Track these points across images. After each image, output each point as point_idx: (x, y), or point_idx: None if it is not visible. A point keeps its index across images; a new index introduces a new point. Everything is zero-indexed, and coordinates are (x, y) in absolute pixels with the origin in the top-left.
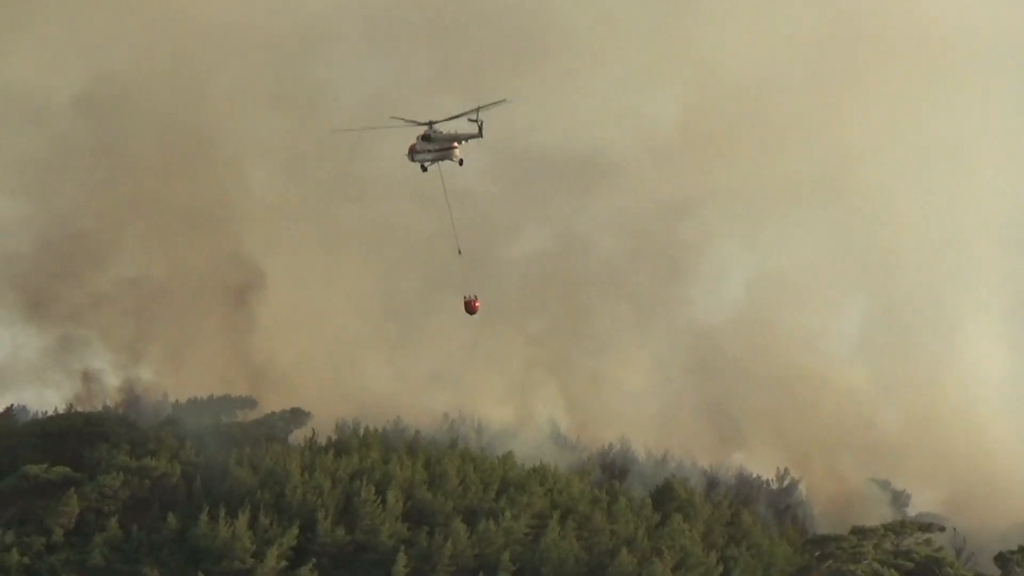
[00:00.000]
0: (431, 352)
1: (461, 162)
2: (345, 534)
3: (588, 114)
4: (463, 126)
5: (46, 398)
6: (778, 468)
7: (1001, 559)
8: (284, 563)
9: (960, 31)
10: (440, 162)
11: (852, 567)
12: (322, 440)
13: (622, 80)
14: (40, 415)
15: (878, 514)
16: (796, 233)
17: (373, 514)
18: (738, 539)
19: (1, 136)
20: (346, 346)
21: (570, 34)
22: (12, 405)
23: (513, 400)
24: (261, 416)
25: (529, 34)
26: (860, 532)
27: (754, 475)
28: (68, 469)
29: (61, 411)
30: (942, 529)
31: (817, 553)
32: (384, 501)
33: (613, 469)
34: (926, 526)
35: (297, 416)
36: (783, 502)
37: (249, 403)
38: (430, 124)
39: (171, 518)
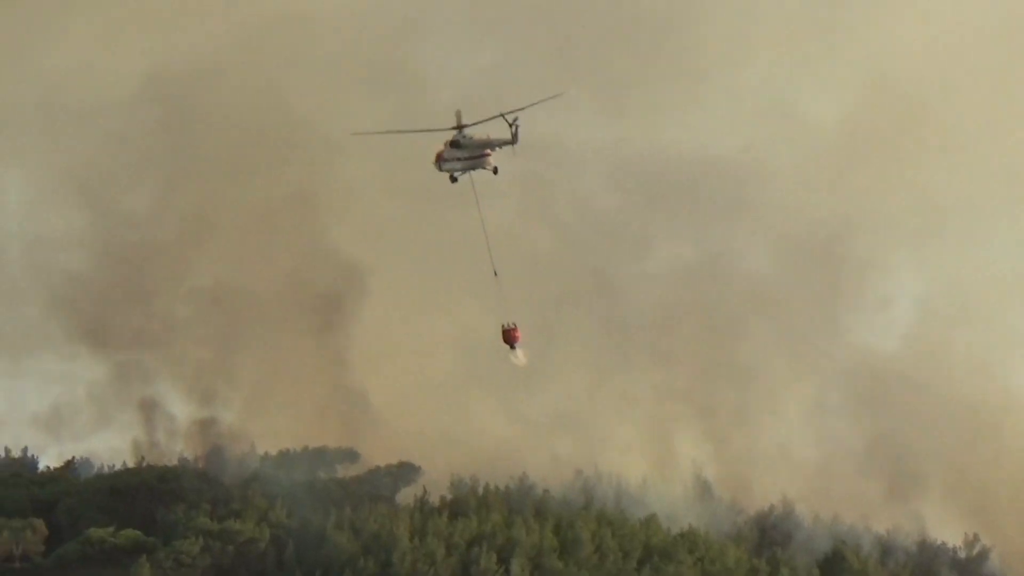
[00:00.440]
0: (553, 391)
1: (496, 170)
2: None
3: (732, 116)
4: (496, 130)
5: (111, 446)
6: (966, 534)
7: None
8: None
9: None
10: (471, 171)
11: None
12: (434, 499)
13: (771, 79)
14: (106, 469)
15: None
16: (975, 249)
17: None
18: None
19: (51, 137)
20: (457, 382)
21: (709, 24)
22: (73, 458)
23: (650, 447)
24: (364, 471)
25: (658, 22)
26: None
27: (937, 541)
28: (139, 533)
29: (130, 464)
30: None
31: None
32: (508, 571)
33: (773, 533)
34: None
35: (406, 471)
36: (973, 573)
37: (349, 456)
38: (460, 129)
39: None
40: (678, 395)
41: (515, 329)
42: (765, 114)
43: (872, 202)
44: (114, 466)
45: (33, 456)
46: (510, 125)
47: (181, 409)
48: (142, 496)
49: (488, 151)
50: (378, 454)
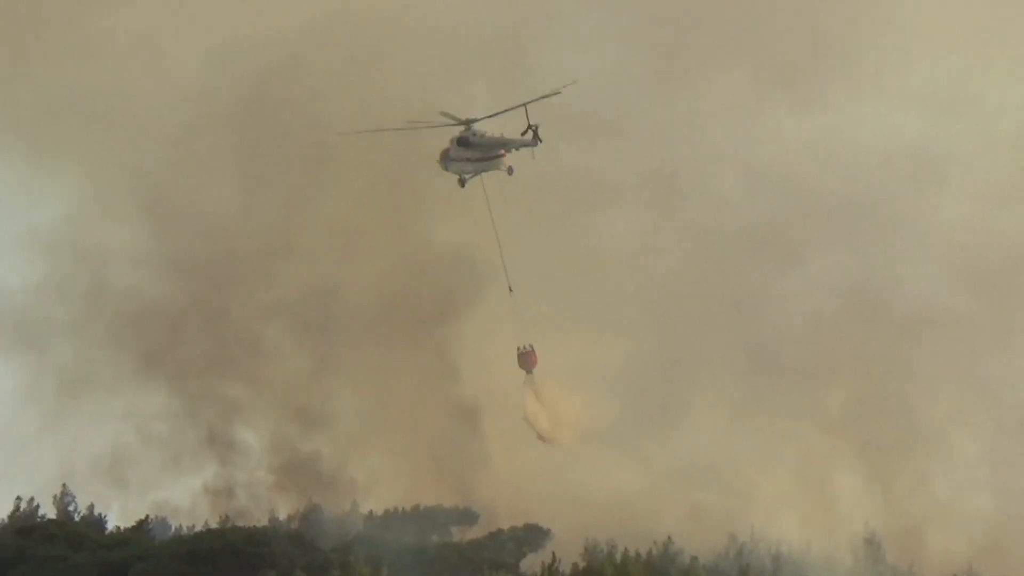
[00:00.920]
0: (690, 433)
1: (511, 170)
2: None
3: (901, 114)
4: (513, 129)
5: (189, 503)
6: None
7: None
8: None
9: None
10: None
11: None
12: (566, 567)
13: (949, 76)
14: (185, 529)
15: None
16: None
17: None
18: None
19: (112, 133)
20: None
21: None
22: (147, 517)
23: (805, 498)
24: (484, 534)
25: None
26: None
27: None
28: None
29: (212, 524)
30: None
31: None
32: None
33: None
34: None
35: (532, 535)
36: None
37: (467, 516)
38: (468, 124)
39: None
40: (833, 434)
41: (532, 352)
42: (940, 113)
43: None
44: (193, 526)
45: (101, 515)
46: (530, 127)
47: (268, 457)
48: (226, 561)
49: (503, 152)
50: (500, 514)
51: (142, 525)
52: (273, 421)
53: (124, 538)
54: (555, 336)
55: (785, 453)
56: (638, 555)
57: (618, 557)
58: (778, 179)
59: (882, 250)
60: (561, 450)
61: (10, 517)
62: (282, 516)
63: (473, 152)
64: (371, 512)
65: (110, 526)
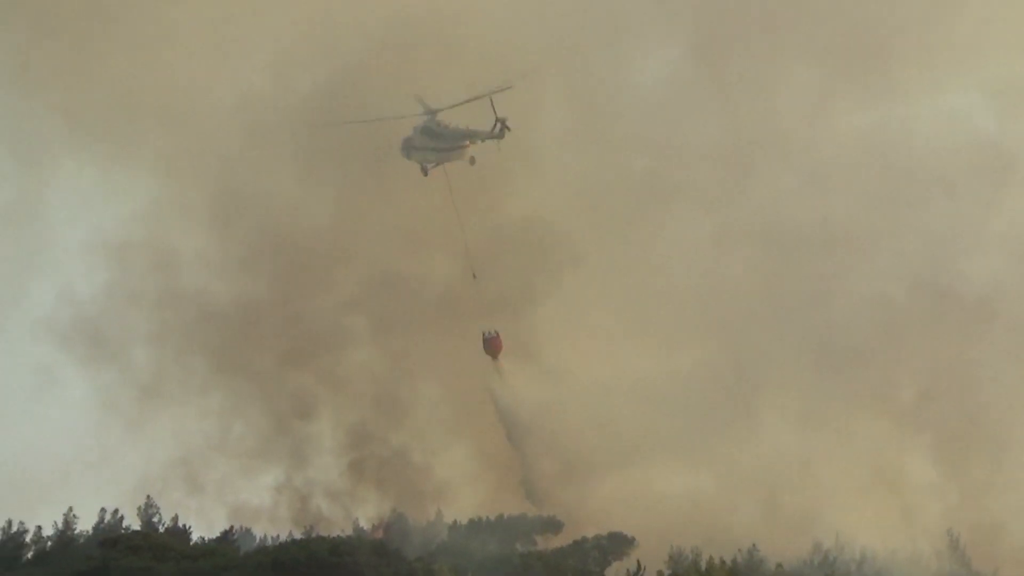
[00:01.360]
0: (765, 436)
1: (473, 160)
2: None
3: (981, 101)
4: (479, 120)
5: (270, 513)
6: None
7: None
8: None
9: None
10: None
11: None
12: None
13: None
14: (270, 540)
15: None
16: None
17: None
18: None
19: (183, 137)
20: (657, 431)
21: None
22: (232, 527)
23: (884, 499)
24: (568, 543)
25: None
26: None
27: None
28: None
29: (296, 534)
30: None
31: None
32: None
33: None
34: None
35: (616, 543)
36: None
37: (551, 525)
38: (432, 114)
39: None
40: (906, 427)
41: (497, 337)
42: (1010, 106)
43: None
44: (278, 536)
45: (185, 525)
46: (497, 120)
47: (349, 460)
48: (310, 572)
49: (467, 142)
50: (584, 522)
51: (226, 535)
52: (353, 419)
53: (208, 548)
54: (623, 344)
55: (859, 450)
56: (723, 562)
57: (703, 564)
58: (844, 172)
59: (950, 242)
60: (641, 457)
61: (95, 529)
62: (364, 524)
63: (438, 142)
64: (455, 521)
65: (194, 537)
